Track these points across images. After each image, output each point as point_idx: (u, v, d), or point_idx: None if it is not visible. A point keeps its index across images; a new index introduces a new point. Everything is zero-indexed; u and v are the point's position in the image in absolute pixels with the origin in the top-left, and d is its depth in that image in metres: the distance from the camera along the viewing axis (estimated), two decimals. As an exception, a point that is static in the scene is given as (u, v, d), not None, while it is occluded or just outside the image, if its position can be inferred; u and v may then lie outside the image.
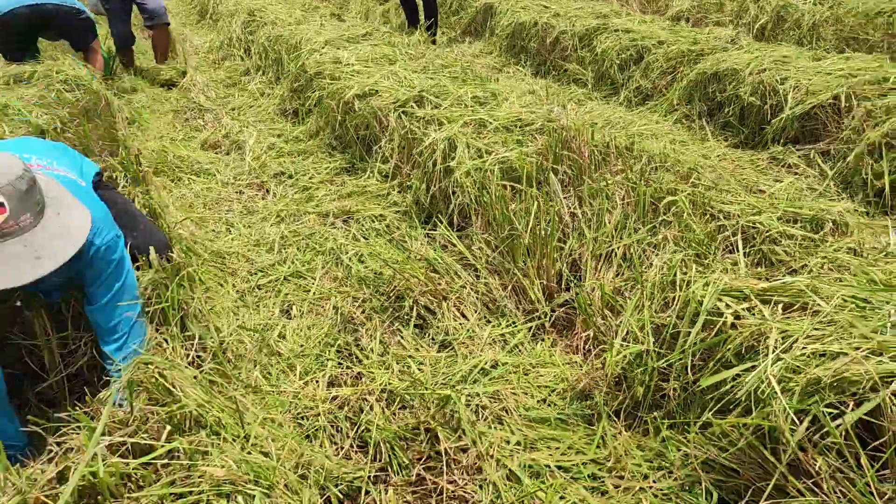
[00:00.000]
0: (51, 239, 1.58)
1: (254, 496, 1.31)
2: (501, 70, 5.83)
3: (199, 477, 1.32)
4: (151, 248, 2.11)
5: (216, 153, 4.26)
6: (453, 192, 3.01)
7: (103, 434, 1.46)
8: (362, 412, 2.09)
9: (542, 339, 2.44)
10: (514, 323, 2.51)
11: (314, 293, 2.75)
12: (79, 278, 1.90)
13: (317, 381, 2.23)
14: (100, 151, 3.30)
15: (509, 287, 2.57)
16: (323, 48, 4.87)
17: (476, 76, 4.25)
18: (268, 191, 3.70)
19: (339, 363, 2.33)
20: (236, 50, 6.47)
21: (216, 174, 3.86)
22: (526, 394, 2.17)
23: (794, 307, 1.69)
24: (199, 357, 1.99)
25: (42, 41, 5.37)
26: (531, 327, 2.48)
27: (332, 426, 2.06)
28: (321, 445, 1.97)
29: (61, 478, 1.40)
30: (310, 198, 3.55)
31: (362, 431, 2.02)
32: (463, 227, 2.99)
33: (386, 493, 1.84)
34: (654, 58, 4.61)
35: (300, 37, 5.27)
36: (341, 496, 1.83)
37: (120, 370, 1.78)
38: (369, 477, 1.88)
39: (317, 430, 2.02)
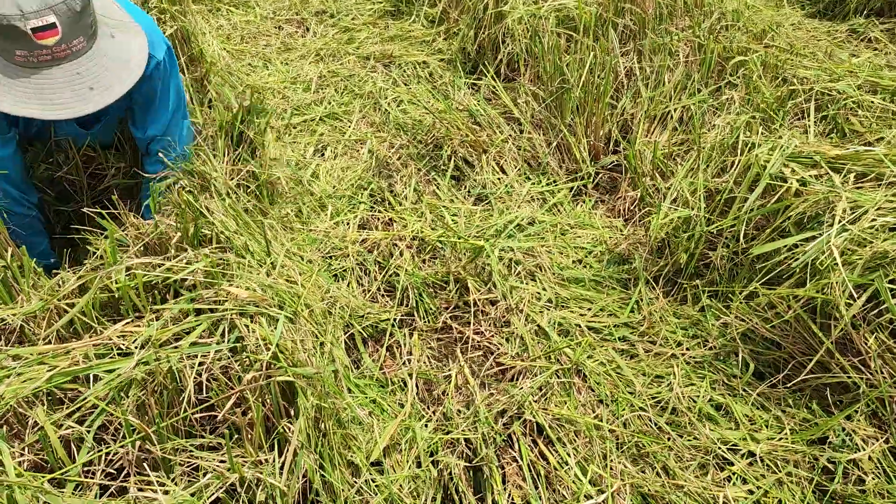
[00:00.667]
0: (105, 68, 1.44)
1: (277, 319, 1.26)
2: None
3: (221, 296, 1.28)
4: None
5: (256, -14, 4.05)
6: (503, 41, 2.81)
7: (126, 246, 1.42)
8: (391, 257, 2.03)
9: (584, 201, 2.33)
10: (554, 181, 2.39)
11: (350, 136, 2.65)
12: (127, 103, 1.80)
13: (347, 223, 2.16)
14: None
15: (553, 144, 2.44)
16: None
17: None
18: (307, 28, 3.51)
19: (372, 207, 2.25)
20: None
21: (255, 7, 3.67)
22: (561, 253, 2.09)
23: (868, 178, 1.55)
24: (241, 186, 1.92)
25: None
26: (573, 187, 2.37)
27: (360, 268, 2.01)
28: (348, 285, 1.93)
29: (83, 289, 1.37)
30: (351, 39, 3.37)
31: (390, 276, 1.97)
32: (510, 79, 2.82)
33: (410, 338, 1.81)
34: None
35: None
36: (365, 335, 1.80)
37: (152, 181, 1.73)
38: (395, 320, 1.84)
39: (345, 270, 1.98)
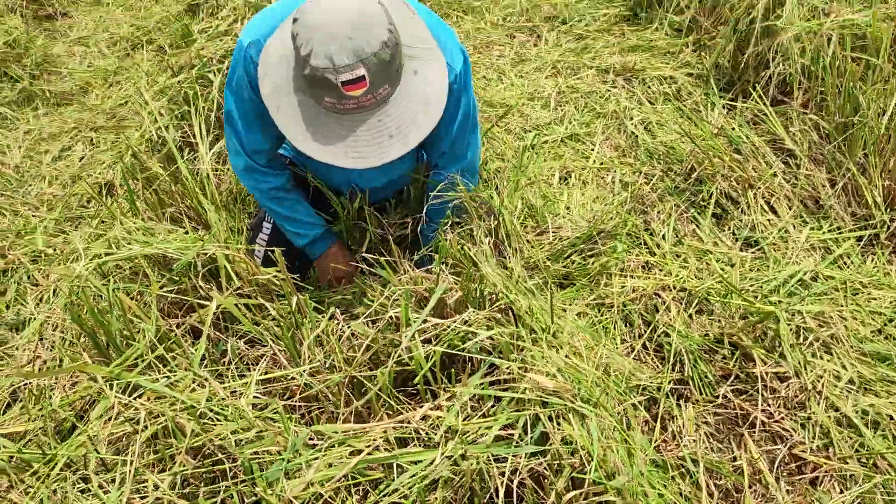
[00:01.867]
0: (405, 113, 1.38)
1: (586, 416, 1.13)
2: None
3: (523, 384, 1.17)
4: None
5: (483, -11, 3.96)
6: (772, 58, 2.52)
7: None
8: (657, 311, 1.85)
9: (876, 253, 2.02)
10: (839, 228, 2.09)
11: (595, 161, 2.48)
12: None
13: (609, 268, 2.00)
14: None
15: (839, 185, 2.13)
16: None
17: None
18: (539, 36, 3.37)
19: (629, 248, 2.08)
20: None
21: (486, 13, 3.58)
22: (856, 319, 1.81)
23: None
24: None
25: None
26: (862, 237, 2.06)
27: (623, 321, 1.85)
28: (613, 341, 1.78)
29: (375, 363, 1.32)
30: (586, 48, 3.19)
31: (659, 334, 1.79)
32: (779, 101, 2.52)
33: (685, 410, 1.63)
34: None
35: None
36: (636, 404, 1.64)
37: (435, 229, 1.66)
38: (668, 388, 1.67)
39: (609, 323, 1.83)
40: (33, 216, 2.21)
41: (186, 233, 1.57)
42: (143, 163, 1.86)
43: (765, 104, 2.44)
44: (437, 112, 1.42)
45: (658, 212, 2.20)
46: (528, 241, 1.99)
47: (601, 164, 2.48)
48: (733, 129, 2.44)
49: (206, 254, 1.47)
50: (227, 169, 2.04)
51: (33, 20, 3.48)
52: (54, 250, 1.90)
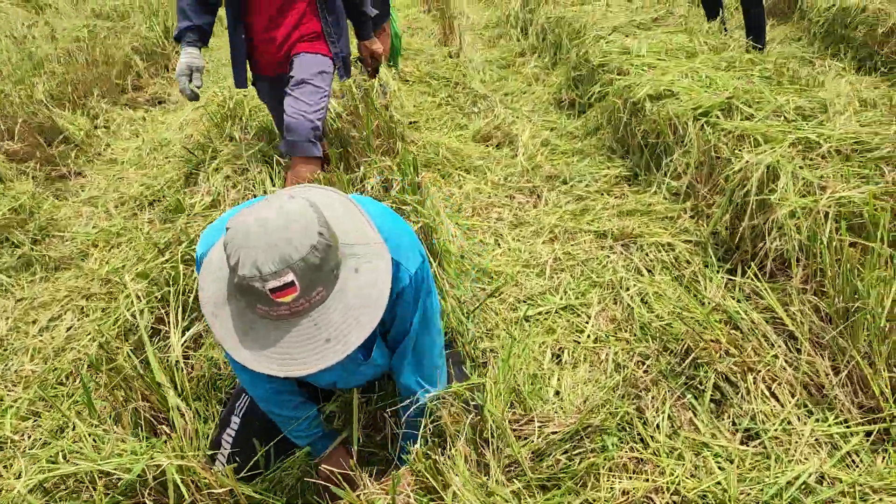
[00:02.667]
0: (345, 314, 1.34)
1: None
2: (814, 63, 4.98)
3: None
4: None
5: (487, 146, 4.04)
6: (768, 232, 2.47)
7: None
8: (648, 518, 1.71)
9: (887, 452, 1.88)
10: (846, 421, 1.96)
11: (589, 335, 2.40)
12: (379, 329, 1.67)
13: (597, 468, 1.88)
14: (377, 146, 3.20)
15: (843, 373, 2.02)
16: (609, 35, 4.42)
17: (794, 76, 3.58)
18: (539, 196, 3.39)
19: (620, 441, 1.96)
20: (513, 29, 6.23)
21: (487, 172, 3.63)
22: (867, 534, 1.66)
23: None
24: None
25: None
26: (871, 431, 1.92)
27: (610, 531, 1.71)
28: (597, 558, 1.63)
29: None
30: (585, 210, 3.19)
31: (649, 549, 1.65)
32: (777, 275, 2.46)
33: None
34: None
35: (584, 20, 4.86)
36: None
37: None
38: None
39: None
40: (8, 394, 2.16)
41: (141, 439, 1.49)
42: (111, 352, 1.82)
43: (761, 281, 2.37)
44: (378, 310, 1.37)
45: (652, 397, 2.09)
46: (511, 430, 1.89)
47: (595, 339, 2.40)
48: (734, 302, 2.37)
49: (157, 467, 1.39)
50: (201, 354, 2.00)
51: (45, 181, 3.59)
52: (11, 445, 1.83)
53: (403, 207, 2.49)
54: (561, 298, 2.60)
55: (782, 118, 2.96)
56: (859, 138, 2.72)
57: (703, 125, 3.05)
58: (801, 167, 2.55)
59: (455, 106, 4.71)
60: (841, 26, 5.02)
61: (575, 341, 2.39)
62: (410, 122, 4.34)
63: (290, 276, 1.24)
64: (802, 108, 3.02)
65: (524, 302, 2.60)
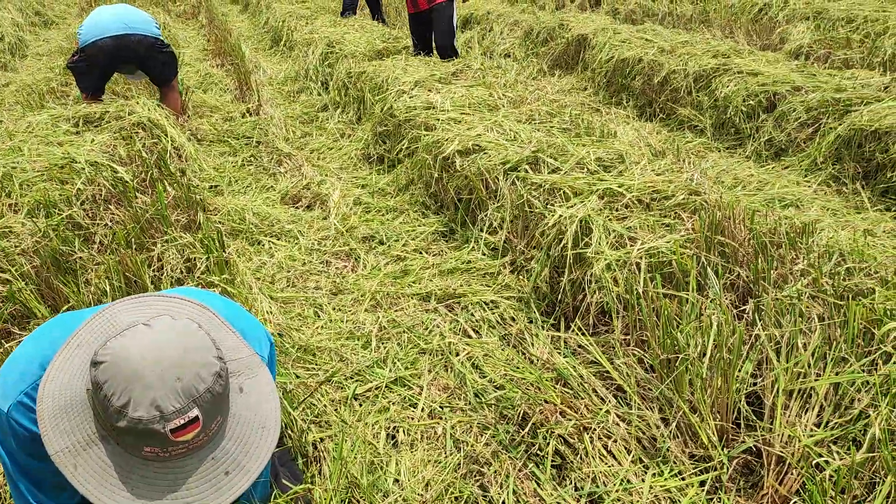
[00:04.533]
0: (241, 441, 1.15)
1: None
2: (600, 110, 5.32)
3: None
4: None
5: (297, 208, 3.86)
6: (588, 284, 2.51)
7: None
8: None
9: (720, 499, 1.92)
10: (680, 472, 1.99)
11: (423, 409, 2.29)
12: None
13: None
14: (175, 220, 2.91)
15: (672, 424, 2.06)
16: (412, 90, 4.43)
17: (590, 128, 3.76)
18: (357, 259, 3.26)
19: (468, 529, 1.84)
20: (313, 83, 6.11)
21: (299, 237, 3.44)
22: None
23: None
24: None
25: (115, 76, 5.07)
26: (705, 481, 1.96)
27: None
28: None
29: None
30: (405, 271, 3.10)
31: None
32: (600, 329, 2.49)
33: None
34: (789, 106, 4.04)
35: (386, 75, 4.85)
36: None
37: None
38: None
39: None
40: None
41: None
42: None
43: (585, 335, 2.39)
44: (276, 428, 1.19)
45: (495, 472, 2.01)
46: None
47: (430, 413, 2.28)
48: (562, 358, 2.36)
49: None
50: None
51: None
52: None
53: (211, 288, 2.25)
54: (390, 371, 2.46)
55: (585, 170, 3.07)
56: (656, 187, 2.87)
57: (513, 180, 3.08)
58: (610, 219, 2.63)
59: (259, 166, 4.47)
60: (621, 76, 5.42)
61: (409, 418, 2.26)
62: (211, 187, 4.05)
63: (195, 412, 1.05)
64: (602, 159, 3.15)
65: (352, 379, 2.43)
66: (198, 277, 2.29)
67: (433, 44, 5.83)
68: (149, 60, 4.67)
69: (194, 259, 2.45)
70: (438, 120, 3.88)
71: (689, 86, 4.74)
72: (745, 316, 2.17)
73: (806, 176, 3.77)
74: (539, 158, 3.15)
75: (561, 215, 2.69)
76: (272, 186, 4.14)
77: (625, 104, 5.31)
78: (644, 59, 5.22)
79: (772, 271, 2.25)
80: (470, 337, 2.62)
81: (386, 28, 7.09)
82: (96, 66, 4.53)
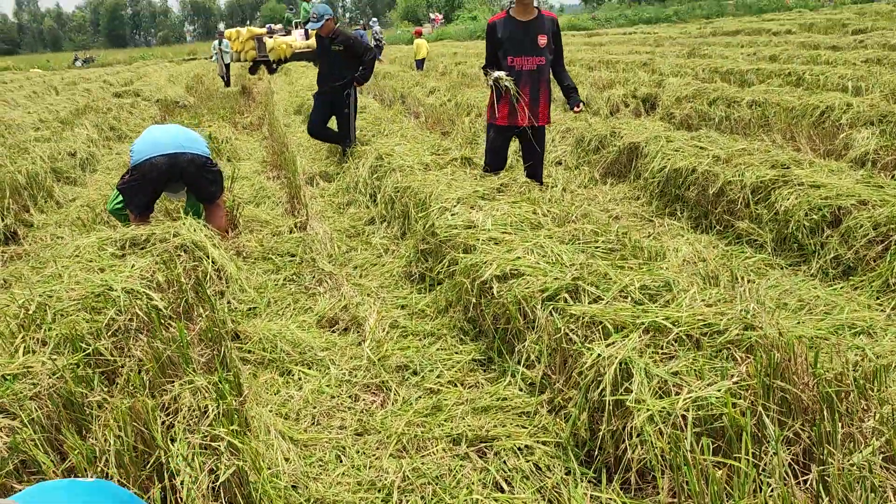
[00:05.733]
0: None
1: None
2: (653, 221, 5.12)
3: None
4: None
5: (333, 332, 3.74)
6: (629, 436, 2.26)
7: None
8: None
9: None
10: None
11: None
12: None
13: None
14: (199, 355, 2.81)
15: None
16: (455, 207, 4.34)
17: (637, 247, 3.57)
18: (388, 389, 3.08)
19: None
20: (361, 196, 6.12)
21: (330, 366, 3.29)
22: None
23: None
24: None
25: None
26: None
27: None
28: None
29: None
30: (438, 407, 2.89)
31: None
32: (645, 486, 2.23)
33: None
34: (856, 222, 3.77)
35: (429, 190, 4.79)
36: None
37: None
38: None
39: None
40: None
41: None
42: None
43: (627, 493, 2.13)
44: None
45: None
46: None
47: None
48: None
49: None
50: None
51: None
52: None
53: (214, 444, 2.10)
54: (411, 533, 2.24)
55: (629, 299, 2.86)
56: (707, 320, 2.63)
57: (550, 311, 2.89)
58: (653, 361, 2.40)
59: (300, 285, 4.41)
60: (674, 186, 5.24)
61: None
62: (249, 309, 3.99)
63: None
64: (648, 287, 2.94)
65: (368, 542, 2.21)
66: (203, 430, 2.15)
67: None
68: (199, 180, 4.74)
69: (206, 408, 2.32)
70: (478, 240, 3.75)
71: (746, 198, 4.52)
72: (808, 486, 1.89)
73: (878, 298, 3.47)
74: (579, 287, 2.97)
75: (599, 355, 2.48)
76: (310, 307, 4.05)
77: (679, 215, 5.11)
78: (698, 168, 5.04)
79: (839, 430, 1.97)
80: (501, 491, 2.38)
81: (437, 139, 7.14)
82: (149, 182, 4.60)
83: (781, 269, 4.01)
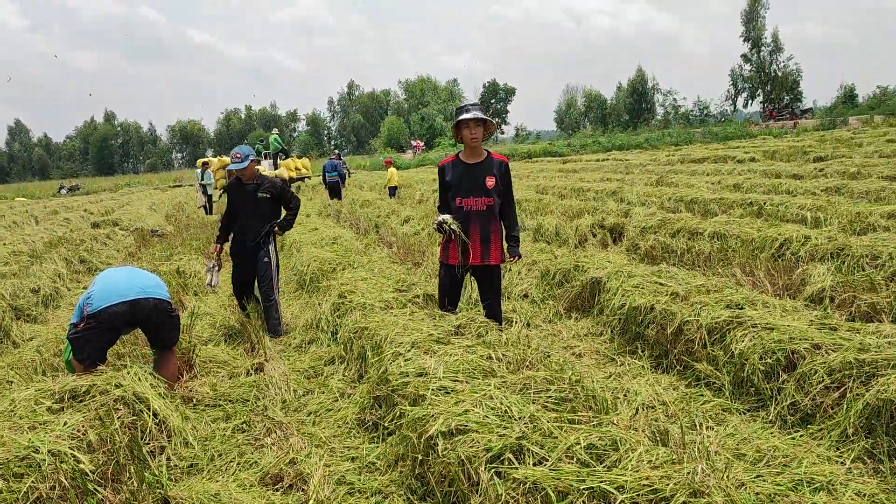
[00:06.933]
0: None
1: None
2: (615, 359, 5.06)
3: None
4: None
5: (277, 490, 3.55)
6: None
7: None
8: None
9: None
10: None
11: None
12: None
13: None
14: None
15: None
16: (408, 351, 4.26)
17: (590, 396, 3.48)
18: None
19: None
20: (323, 334, 6.04)
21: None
22: None
23: None
24: None
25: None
26: None
27: None
28: None
29: None
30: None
31: None
32: None
33: None
34: (811, 367, 3.72)
35: (385, 333, 4.72)
36: None
37: None
38: None
39: None
40: None
41: None
42: None
43: None
44: None
45: None
46: None
47: None
48: None
49: None
50: None
51: None
52: None
53: None
54: None
55: (574, 459, 2.75)
56: (653, 485, 2.52)
57: (493, 474, 2.77)
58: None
59: (249, 435, 4.24)
60: (635, 324, 5.21)
61: None
62: (190, 465, 3.81)
63: None
64: (594, 444, 2.84)
65: None
66: None
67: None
68: (161, 325, 4.61)
69: None
70: (429, 389, 3.65)
71: (703, 338, 4.48)
72: None
73: (838, 448, 3.37)
74: (523, 447, 2.86)
75: (538, 529, 2.34)
76: (256, 461, 3.87)
77: (640, 353, 5.05)
78: (656, 307, 5.03)
79: None
80: None
81: (402, 274, 7.14)
82: (106, 332, 4.39)
83: (740, 413, 3.92)
